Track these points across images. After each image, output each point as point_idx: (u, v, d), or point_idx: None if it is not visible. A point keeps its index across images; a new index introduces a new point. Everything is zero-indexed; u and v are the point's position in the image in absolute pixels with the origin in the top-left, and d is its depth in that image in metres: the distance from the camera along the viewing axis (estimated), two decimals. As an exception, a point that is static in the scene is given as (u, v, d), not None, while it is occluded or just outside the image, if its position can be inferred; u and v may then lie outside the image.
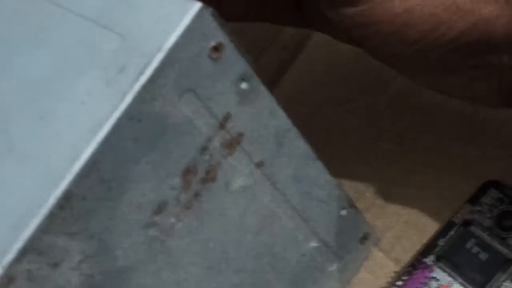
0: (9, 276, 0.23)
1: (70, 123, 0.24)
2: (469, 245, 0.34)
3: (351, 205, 0.34)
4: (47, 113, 0.25)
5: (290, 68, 0.43)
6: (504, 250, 0.34)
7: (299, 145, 0.30)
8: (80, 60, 0.25)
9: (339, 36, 0.35)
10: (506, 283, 0.33)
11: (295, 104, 0.43)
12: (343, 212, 0.34)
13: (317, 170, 0.32)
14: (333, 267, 0.36)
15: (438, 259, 0.35)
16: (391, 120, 0.40)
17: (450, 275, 0.34)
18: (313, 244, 0.34)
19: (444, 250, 0.35)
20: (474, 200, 0.36)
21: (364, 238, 0.37)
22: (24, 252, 0.23)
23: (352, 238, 0.36)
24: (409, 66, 0.32)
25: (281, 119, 0.29)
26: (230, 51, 0.26)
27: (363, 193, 0.39)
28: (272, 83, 0.43)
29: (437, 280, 0.35)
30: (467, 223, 0.35)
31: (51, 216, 0.23)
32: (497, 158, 0.37)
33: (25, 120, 0.25)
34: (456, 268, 0.34)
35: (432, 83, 0.34)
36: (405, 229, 0.38)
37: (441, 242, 0.35)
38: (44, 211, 0.23)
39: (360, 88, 0.42)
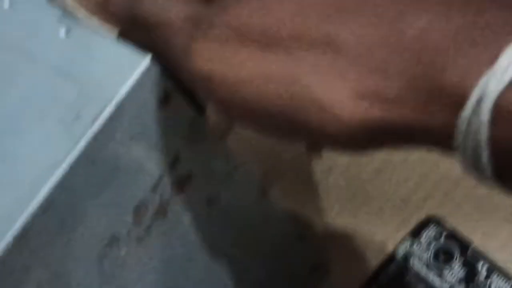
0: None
1: (28, 164, 0.26)
2: (408, 278, 0.37)
3: (303, 236, 0.37)
4: (6, 153, 0.27)
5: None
6: (440, 283, 0.36)
7: (248, 181, 0.33)
8: (41, 106, 0.27)
9: None
10: (443, 315, 0.36)
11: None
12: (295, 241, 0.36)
13: (267, 203, 0.34)
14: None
15: (380, 291, 0.37)
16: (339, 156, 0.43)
17: (391, 307, 0.37)
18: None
19: (385, 283, 0.37)
20: (414, 234, 0.38)
21: (313, 268, 0.39)
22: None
23: (303, 267, 0.38)
24: None
25: (229, 159, 0.31)
26: (177, 99, 0.28)
27: (315, 224, 0.42)
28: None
29: (380, 312, 0.37)
30: (407, 257, 0.37)
31: (8, 251, 0.25)
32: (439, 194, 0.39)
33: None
34: (397, 300, 0.37)
35: None
36: (352, 260, 0.40)
37: (383, 275, 0.37)
38: (1, 246, 0.25)
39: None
